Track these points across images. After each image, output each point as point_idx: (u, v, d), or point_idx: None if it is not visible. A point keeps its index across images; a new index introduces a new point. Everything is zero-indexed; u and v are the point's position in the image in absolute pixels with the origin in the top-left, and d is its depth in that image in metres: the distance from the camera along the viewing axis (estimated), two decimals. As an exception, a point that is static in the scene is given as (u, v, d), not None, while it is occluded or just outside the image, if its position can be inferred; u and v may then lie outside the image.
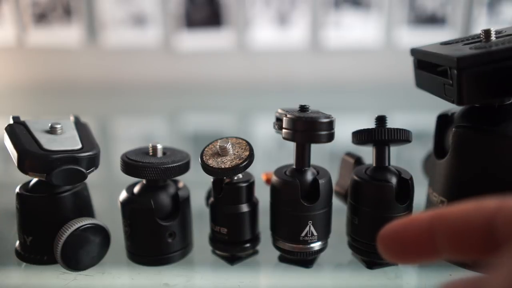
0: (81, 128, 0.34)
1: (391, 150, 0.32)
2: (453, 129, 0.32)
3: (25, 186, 0.33)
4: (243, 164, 0.30)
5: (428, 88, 0.35)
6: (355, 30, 1.26)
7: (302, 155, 0.31)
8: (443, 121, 0.36)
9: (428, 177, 0.38)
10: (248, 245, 0.33)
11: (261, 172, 0.39)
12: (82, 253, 0.31)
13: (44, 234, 0.31)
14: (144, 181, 0.34)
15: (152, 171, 0.31)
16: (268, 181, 0.38)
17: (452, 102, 0.30)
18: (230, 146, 0.31)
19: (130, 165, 0.31)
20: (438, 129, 0.36)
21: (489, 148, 0.31)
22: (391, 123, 0.32)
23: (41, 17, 1.27)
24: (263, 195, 0.34)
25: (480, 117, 0.32)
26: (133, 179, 0.34)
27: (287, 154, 0.63)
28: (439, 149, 0.36)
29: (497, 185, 0.31)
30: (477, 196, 0.31)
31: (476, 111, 0.33)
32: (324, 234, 0.32)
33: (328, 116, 0.30)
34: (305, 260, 0.33)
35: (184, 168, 0.33)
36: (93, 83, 1.29)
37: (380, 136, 0.30)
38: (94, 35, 1.28)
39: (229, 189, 0.32)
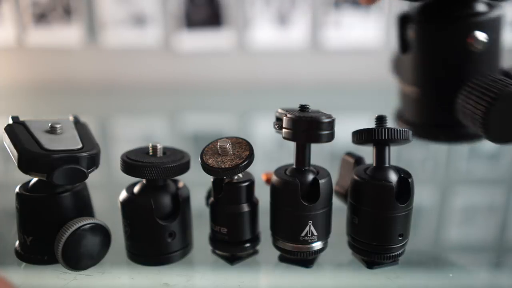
0: (81, 127, 0.34)
1: (391, 150, 0.32)
2: (412, 25, 0.39)
3: (25, 186, 0.33)
4: (243, 164, 0.30)
5: None
6: (355, 30, 1.26)
7: (302, 155, 0.31)
8: (403, 20, 0.42)
9: (398, 75, 0.44)
10: (248, 245, 0.33)
11: (261, 172, 0.39)
12: (83, 253, 0.31)
13: (44, 234, 0.31)
14: (144, 181, 0.34)
15: (152, 170, 0.31)
16: (268, 181, 0.38)
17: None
18: (230, 146, 0.31)
19: (130, 165, 0.31)
20: (399, 29, 0.42)
21: (443, 37, 0.37)
22: (391, 123, 0.32)
23: (41, 17, 1.27)
24: (263, 195, 0.34)
25: (432, 10, 0.38)
26: (133, 179, 0.34)
27: (287, 154, 0.63)
28: (403, 45, 0.42)
29: (459, 65, 0.37)
30: (442, 80, 0.38)
31: (428, 6, 0.39)
32: (324, 234, 0.32)
33: (328, 116, 0.30)
34: (305, 260, 0.33)
35: (184, 168, 0.33)
36: (93, 83, 1.29)
37: (380, 135, 0.30)
38: (94, 35, 1.28)
39: (229, 189, 0.32)
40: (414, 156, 0.65)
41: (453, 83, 0.37)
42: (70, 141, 0.32)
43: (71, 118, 0.36)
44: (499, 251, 0.39)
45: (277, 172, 0.32)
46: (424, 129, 0.40)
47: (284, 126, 0.30)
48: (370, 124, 0.32)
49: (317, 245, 0.32)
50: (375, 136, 0.30)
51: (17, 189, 0.32)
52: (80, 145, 0.32)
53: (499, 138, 0.33)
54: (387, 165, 0.32)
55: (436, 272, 0.34)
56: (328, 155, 0.64)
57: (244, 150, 0.32)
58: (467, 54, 0.37)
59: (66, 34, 1.27)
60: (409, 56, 0.40)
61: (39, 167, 0.29)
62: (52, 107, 1.10)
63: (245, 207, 0.32)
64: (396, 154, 0.64)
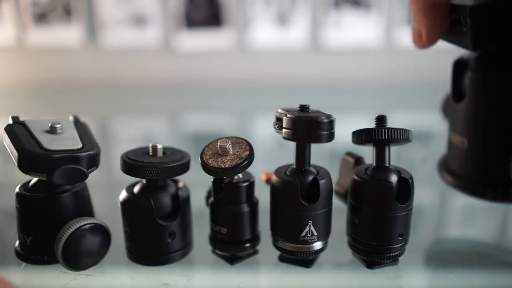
0: (81, 127, 0.34)
1: (391, 150, 0.32)
2: (469, 72, 0.35)
3: (25, 186, 0.33)
4: (243, 164, 0.30)
5: (446, 38, 0.36)
6: (355, 30, 1.26)
7: (302, 155, 0.31)
8: (459, 65, 0.38)
9: (448, 120, 0.40)
10: (248, 245, 0.33)
11: (261, 172, 0.39)
12: (83, 253, 0.31)
13: (44, 234, 0.31)
14: (144, 181, 0.34)
15: (152, 170, 0.31)
16: (268, 181, 0.38)
17: (468, 49, 0.32)
18: (230, 146, 0.31)
19: (130, 165, 0.31)
20: (454, 74, 0.38)
21: (504, 87, 0.33)
22: (391, 123, 0.32)
23: (41, 17, 1.27)
24: (263, 195, 0.34)
25: (493, 59, 0.34)
26: (133, 179, 0.34)
27: (287, 154, 0.63)
28: (456, 93, 0.38)
29: None
30: (497, 133, 0.34)
31: (490, 53, 0.35)
32: (324, 234, 0.32)
33: (328, 116, 0.30)
34: (305, 260, 0.33)
35: (184, 168, 0.33)
36: (93, 83, 1.29)
37: (380, 135, 0.30)
38: (94, 35, 1.28)
39: (229, 189, 0.32)
40: (414, 156, 0.65)
41: (509, 138, 0.34)
42: (70, 141, 0.32)
43: (71, 118, 0.36)
44: (499, 251, 0.39)
45: (277, 172, 0.32)
46: (470, 184, 0.36)
47: (284, 126, 0.30)
48: (370, 124, 0.32)
49: (317, 245, 0.32)
50: (375, 136, 0.30)
51: (17, 189, 0.32)
52: (80, 145, 0.32)
53: None
54: (387, 165, 0.32)
55: (437, 272, 0.34)
56: (328, 155, 0.64)
57: (244, 150, 0.32)
58: None
59: (66, 34, 1.28)
60: (462, 104, 0.36)
61: (39, 167, 0.29)
62: (52, 107, 1.10)
63: (245, 207, 0.32)
64: (396, 154, 0.64)
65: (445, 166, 0.40)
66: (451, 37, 0.35)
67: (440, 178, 0.39)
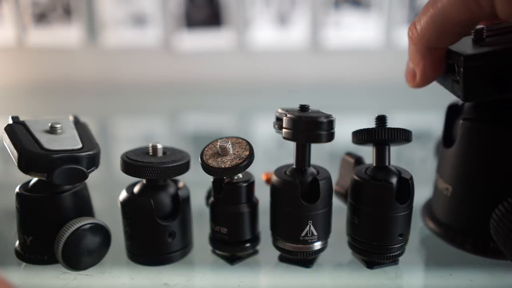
0: (81, 127, 0.34)
1: (391, 150, 0.32)
2: (461, 121, 0.34)
3: (25, 186, 0.33)
4: (243, 164, 0.30)
5: (439, 80, 0.35)
6: (355, 30, 1.26)
7: (302, 155, 0.31)
8: (453, 111, 0.37)
9: (437, 161, 0.39)
10: (248, 245, 0.33)
11: (261, 172, 0.39)
12: (83, 253, 0.31)
13: (44, 234, 0.31)
14: (144, 181, 0.34)
15: (152, 170, 0.31)
16: (268, 181, 0.38)
17: (459, 97, 0.31)
18: (230, 145, 0.31)
19: (130, 165, 0.31)
20: (447, 119, 0.37)
21: (495, 141, 0.32)
22: (391, 123, 0.32)
23: (41, 17, 1.27)
24: (263, 195, 0.34)
25: (487, 110, 0.33)
26: (133, 179, 0.34)
27: (287, 154, 0.63)
28: (447, 138, 0.37)
29: (503, 177, 0.32)
30: (482, 185, 0.33)
31: (485, 103, 0.34)
32: (324, 234, 0.32)
33: (328, 116, 0.30)
34: (305, 260, 0.33)
35: (184, 168, 0.33)
36: (93, 83, 1.29)
37: (380, 135, 0.30)
38: (94, 35, 1.28)
39: (229, 189, 0.32)
40: (414, 156, 0.65)
41: (496, 193, 0.32)
42: (70, 141, 0.32)
43: (71, 118, 0.36)
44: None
45: (277, 172, 0.32)
46: (450, 232, 0.35)
47: (284, 126, 0.30)
48: (370, 124, 0.32)
49: (317, 245, 0.32)
50: (375, 136, 0.30)
51: (17, 189, 0.32)
52: (80, 145, 0.32)
53: None
54: (387, 165, 0.32)
55: (437, 271, 0.34)
56: (328, 155, 0.64)
57: (244, 150, 0.32)
58: None
59: (66, 34, 1.28)
60: (451, 150, 0.35)
61: (39, 167, 0.29)
62: (52, 107, 1.10)
63: (245, 207, 0.32)
64: (396, 154, 0.64)
65: (428, 211, 0.39)
66: (444, 82, 0.34)
67: (423, 222, 0.39)
